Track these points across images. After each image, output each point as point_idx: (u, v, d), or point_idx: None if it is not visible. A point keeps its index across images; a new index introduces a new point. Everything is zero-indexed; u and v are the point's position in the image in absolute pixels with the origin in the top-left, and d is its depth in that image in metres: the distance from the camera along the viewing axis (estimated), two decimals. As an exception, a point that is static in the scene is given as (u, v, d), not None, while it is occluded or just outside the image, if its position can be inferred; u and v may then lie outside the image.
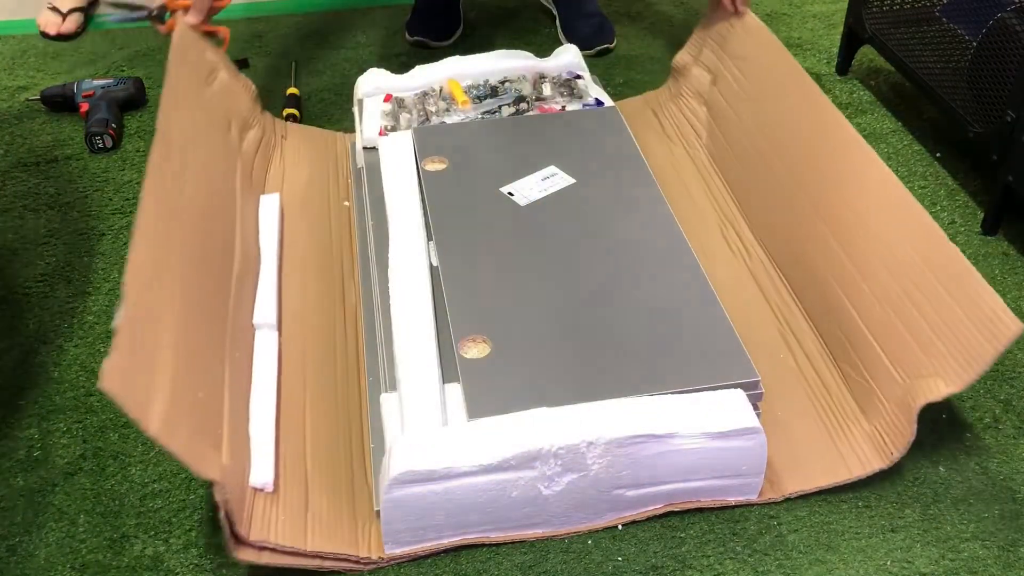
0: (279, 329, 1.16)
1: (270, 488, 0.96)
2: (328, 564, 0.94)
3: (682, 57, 1.57)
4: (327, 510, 0.98)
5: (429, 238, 1.18)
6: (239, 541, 0.91)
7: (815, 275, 1.17)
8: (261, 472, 0.97)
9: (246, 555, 0.90)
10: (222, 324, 1.06)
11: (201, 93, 1.31)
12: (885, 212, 1.10)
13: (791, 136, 1.28)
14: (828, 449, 1.04)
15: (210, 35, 1.42)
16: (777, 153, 1.30)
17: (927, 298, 1.02)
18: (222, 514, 0.87)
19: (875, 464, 1.01)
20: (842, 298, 1.12)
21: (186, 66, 1.29)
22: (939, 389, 0.97)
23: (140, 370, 0.86)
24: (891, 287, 1.06)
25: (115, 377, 0.81)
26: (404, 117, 1.41)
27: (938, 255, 1.03)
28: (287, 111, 1.62)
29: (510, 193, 1.24)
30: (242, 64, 1.78)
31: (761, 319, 1.19)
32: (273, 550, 0.92)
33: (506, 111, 1.42)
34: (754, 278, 1.25)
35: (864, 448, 1.03)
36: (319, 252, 1.31)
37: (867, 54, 1.72)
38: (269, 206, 1.31)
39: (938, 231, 1.04)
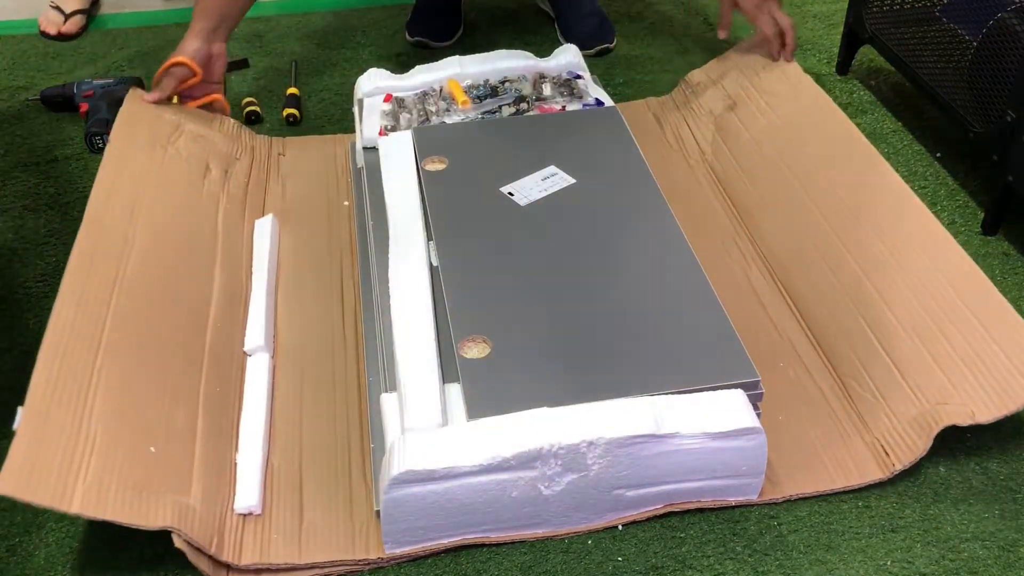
0: (274, 344, 1.18)
1: (258, 511, 0.98)
2: (326, 571, 0.94)
3: (698, 76, 1.57)
4: (323, 518, 0.99)
5: (429, 238, 1.18)
6: (231, 569, 0.93)
7: (826, 293, 1.18)
8: (246, 497, 0.99)
9: None
10: (191, 368, 1.08)
11: (159, 155, 1.33)
12: (920, 246, 1.12)
13: (819, 168, 1.30)
14: (827, 455, 1.04)
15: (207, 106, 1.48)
16: (800, 181, 1.31)
17: (960, 331, 1.04)
18: (190, 556, 0.89)
19: (874, 475, 1.01)
20: (859, 319, 1.12)
21: (130, 141, 1.32)
22: (966, 416, 0.98)
23: (50, 460, 0.89)
24: (919, 315, 1.08)
25: (12, 480, 0.85)
26: (404, 117, 1.41)
27: (977, 294, 1.05)
28: (287, 111, 1.62)
29: (510, 193, 1.24)
30: (242, 64, 1.79)
31: (758, 328, 1.19)
32: (268, 570, 0.93)
33: (506, 111, 1.42)
34: (753, 288, 1.25)
35: (864, 457, 1.03)
36: (317, 256, 1.31)
37: (867, 54, 1.72)
38: (263, 228, 1.32)
39: (980, 274, 1.06)
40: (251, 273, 1.25)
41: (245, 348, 1.15)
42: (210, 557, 0.92)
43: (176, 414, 1.01)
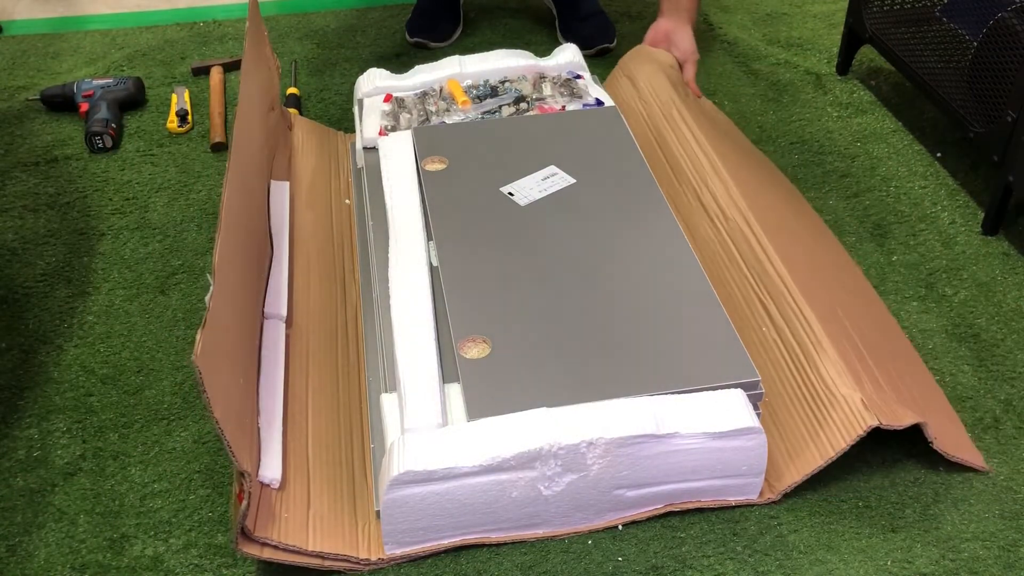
0: (287, 321, 1.16)
1: (277, 484, 0.96)
2: (328, 564, 0.94)
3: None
4: (328, 510, 0.98)
5: (429, 238, 1.18)
6: (245, 535, 0.90)
7: (810, 263, 1.17)
8: (271, 467, 0.96)
9: (250, 549, 0.90)
10: (255, 311, 1.07)
11: (259, 65, 1.32)
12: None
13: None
14: (813, 428, 1.02)
15: None
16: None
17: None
18: (243, 505, 0.87)
19: (857, 431, 0.97)
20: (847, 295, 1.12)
21: (257, 32, 1.32)
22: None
23: (219, 351, 0.87)
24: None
25: (207, 354, 0.82)
26: (404, 117, 1.41)
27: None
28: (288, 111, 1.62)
29: (510, 193, 1.24)
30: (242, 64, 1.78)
31: (742, 288, 1.18)
32: (275, 547, 0.92)
33: (506, 111, 1.42)
34: (734, 245, 1.23)
35: (847, 419, 0.99)
36: (323, 248, 1.31)
37: (867, 54, 1.72)
38: (280, 194, 1.30)
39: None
40: (272, 235, 1.24)
41: (266, 309, 1.13)
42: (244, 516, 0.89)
43: (251, 354, 1.00)
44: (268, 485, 0.95)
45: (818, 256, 1.19)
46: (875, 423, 0.96)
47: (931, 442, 0.99)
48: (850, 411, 1.00)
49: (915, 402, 1.04)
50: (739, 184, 1.27)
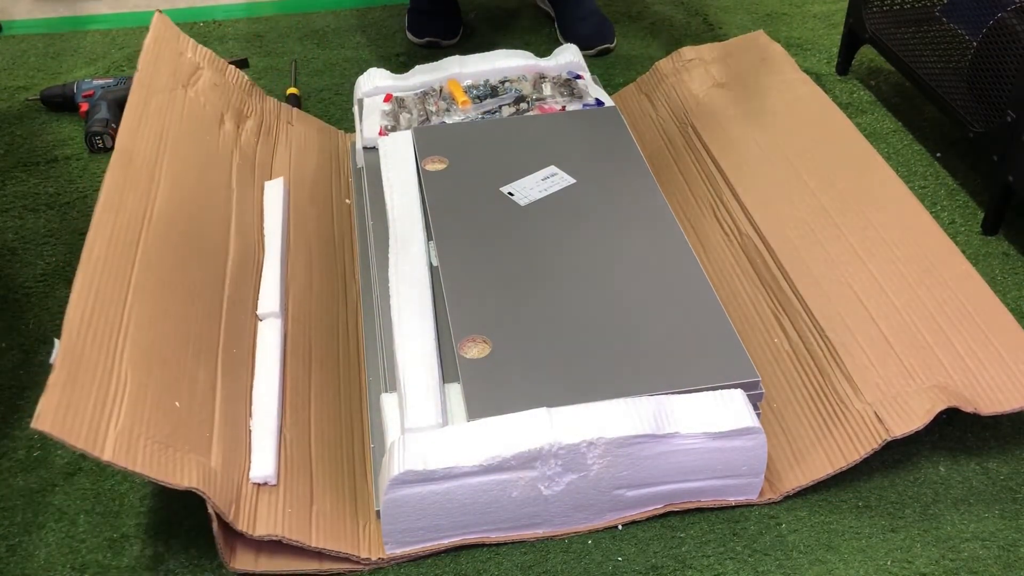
0: (286, 317, 1.15)
1: (273, 481, 0.95)
2: (327, 565, 0.94)
3: (689, 52, 1.58)
4: (331, 508, 0.98)
5: (429, 238, 1.18)
6: (240, 539, 0.90)
7: (820, 269, 1.17)
8: (262, 466, 0.96)
9: (243, 564, 0.91)
10: (211, 325, 1.06)
11: (180, 96, 1.31)
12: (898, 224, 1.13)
13: (807, 145, 1.30)
14: (824, 436, 1.02)
15: None
16: (790, 162, 1.32)
17: (956, 323, 1.05)
18: (215, 525, 0.88)
19: (871, 444, 0.98)
20: (856, 298, 1.12)
21: (157, 75, 1.31)
22: (966, 403, 0.98)
23: (84, 401, 0.86)
24: (927, 303, 1.09)
25: (49, 417, 0.82)
26: (404, 117, 1.41)
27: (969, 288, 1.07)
28: (287, 111, 1.62)
29: (510, 193, 1.24)
30: (242, 64, 1.79)
31: (755, 302, 1.19)
32: (271, 555, 0.92)
33: (506, 111, 1.42)
34: (748, 260, 1.25)
35: (859, 430, 1.01)
36: (324, 245, 1.31)
37: (867, 54, 1.72)
38: (274, 191, 1.30)
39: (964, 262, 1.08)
40: (263, 236, 1.23)
41: (259, 312, 1.13)
42: (225, 526, 0.89)
43: (198, 371, 0.99)
44: (264, 483, 0.95)
45: (841, 251, 1.19)
46: (888, 437, 0.97)
47: (973, 412, 0.99)
48: (864, 423, 1.01)
49: (961, 363, 1.04)
50: (755, 198, 1.29)
